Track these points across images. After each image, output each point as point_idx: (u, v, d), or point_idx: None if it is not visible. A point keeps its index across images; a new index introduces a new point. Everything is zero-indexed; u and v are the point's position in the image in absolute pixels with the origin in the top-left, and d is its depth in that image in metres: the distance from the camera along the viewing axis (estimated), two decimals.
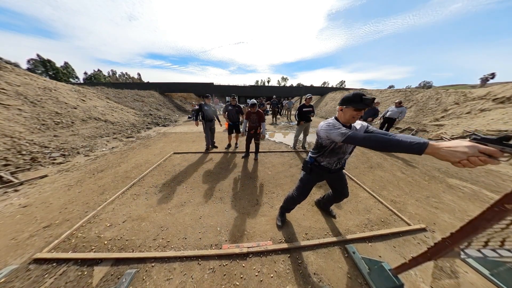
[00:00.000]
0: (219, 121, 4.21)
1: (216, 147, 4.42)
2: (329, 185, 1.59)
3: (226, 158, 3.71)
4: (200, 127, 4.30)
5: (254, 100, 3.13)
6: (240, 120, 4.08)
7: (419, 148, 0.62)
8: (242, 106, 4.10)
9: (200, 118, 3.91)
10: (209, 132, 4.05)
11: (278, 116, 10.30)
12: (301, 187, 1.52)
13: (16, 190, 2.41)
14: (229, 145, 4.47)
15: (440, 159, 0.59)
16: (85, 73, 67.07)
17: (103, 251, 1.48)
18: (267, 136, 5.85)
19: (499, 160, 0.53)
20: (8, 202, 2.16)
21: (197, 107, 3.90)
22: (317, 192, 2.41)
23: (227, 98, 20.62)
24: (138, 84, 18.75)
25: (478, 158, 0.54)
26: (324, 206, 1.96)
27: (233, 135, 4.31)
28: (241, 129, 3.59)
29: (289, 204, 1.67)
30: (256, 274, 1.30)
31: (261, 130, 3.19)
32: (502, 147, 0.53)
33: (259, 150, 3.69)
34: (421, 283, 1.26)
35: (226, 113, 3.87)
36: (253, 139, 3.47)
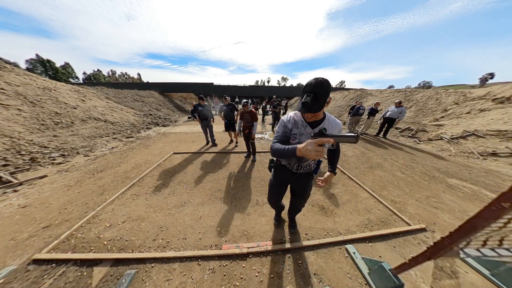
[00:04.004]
0: (212, 119, 4.42)
1: (216, 145, 4.60)
2: (290, 190, 1.43)
3: (226, 158, 3.71)
4: (200, 127, 4.47)
5: (246, 100, 3.32)
6: (235, 118, 4.23)
7: (294, 150, 0.82)
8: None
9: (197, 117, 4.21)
10: (207, 129, 4.42)
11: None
12: (269, 188, 1.44)
13: (15, 191, 2.40)
14: (231, 140, 4.84)
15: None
16: (84, 73, 67.03)
17: (103, 251, 1.47)
18: (266, 136, 5.87)
19: (328, 146, 0.82)
20: (7, 202, 2.15)
21: (193, 107, 4.16)
22: (317, 192, 2.41)
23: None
24: (138, 84, 18.74)
25: (316, 149, 0.73)
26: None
27: (233, 133, 4.52)
28: (236, 129, 3.79)
29: (270, 204, 1.59)
30: (256, 274, 1.30)
31: (253, 129, 3.23)
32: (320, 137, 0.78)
33: (256, 150, 3.72)
34: (421, 283, 1.26)
35: (222, 113, 4.09)
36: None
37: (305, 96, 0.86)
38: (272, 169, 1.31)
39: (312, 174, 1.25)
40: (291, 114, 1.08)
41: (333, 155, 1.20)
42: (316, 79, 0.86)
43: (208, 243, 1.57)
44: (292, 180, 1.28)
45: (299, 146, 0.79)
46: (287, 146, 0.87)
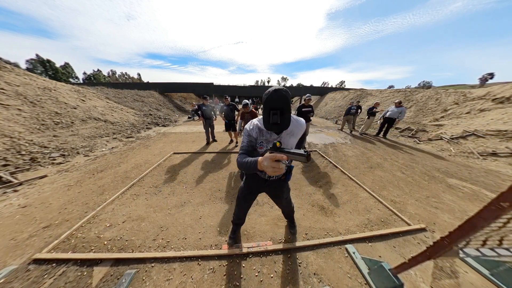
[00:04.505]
0: (215, 118, 4.66)
1: (216, 140, 4.93)
2: (271, 198, 1.39)
3: (226, 158, 3.71)
4: (200, 127, 4.53)
5: (246, 101, 3.39)
6: (235, 118, 4.30)
7: (256, 163, 0.75)
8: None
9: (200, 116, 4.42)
10: (209, 128, 4.62)
11: None
12: (238, 197, 1.34)
13: (15, 191, 2.41)
14: (231, 140, 4.96)
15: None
16: (84, 73, 67.06)
17: (103, 251, 1.47)
18: None
19: (283, 163, 0.67)
20: (8, 202, 2.15)
21: (196, 107, 4.40)
22: (317, 192, 2.41)
23: None
24: (138, 84, 18.73)
25: (272, 165, 0.65)
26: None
27: (233, 133, 4.66)
28: (237, 129, 3.82)
29: (234, 216, 1.48)
30: (256, 274, 1.30)
31: None
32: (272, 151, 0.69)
33: None
34: (421, 283, 1.26)
35: (223, 113, 4.20)
36: None
37: (271, 114, 0.80)
38: (244, 177, 1.22)
39: (284, 180, 1.17)
40: (254, 121, 1.01)
41: (300, 141, 1.20)
42: (276, 91, 0.80)
43: (208, 243, 1.57)
44: (264, 188, 1.23)
45: (259, 159, 0.74)
46: (250, 159, 0.81)
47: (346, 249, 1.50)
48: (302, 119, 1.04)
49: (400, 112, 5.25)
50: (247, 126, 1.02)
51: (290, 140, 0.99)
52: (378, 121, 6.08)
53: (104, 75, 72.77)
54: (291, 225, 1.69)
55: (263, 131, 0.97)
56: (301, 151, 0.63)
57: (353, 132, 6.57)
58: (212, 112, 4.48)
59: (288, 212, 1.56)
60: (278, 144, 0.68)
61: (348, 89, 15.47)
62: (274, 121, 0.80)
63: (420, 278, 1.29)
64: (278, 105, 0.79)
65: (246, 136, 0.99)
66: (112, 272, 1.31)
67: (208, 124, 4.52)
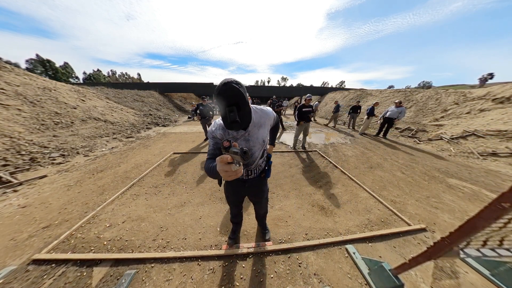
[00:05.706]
0: (212, 117, 4.96)
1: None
2: (251, 199, 1.33)
3: None
4: (200, 127, 4.62)
5: None
6: None
7: (215, 169, 0.70)
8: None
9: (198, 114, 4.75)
10: (206, 126, 4.98)
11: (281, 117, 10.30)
12: (228, 203, 1.35)
13: (15, 191, 2.40)
14: None
15: None
16: (84, 73, 67.10)
17: (103, 251, 1.47)
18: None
19: (235, 165, 0.58)
20: (7, 202, 2.15)
21: (195, 106, 4.74)
22: (317, 192, 2.41)
23: None
24: (137, 84, 18.74)
25: (223, 168, 0.58)
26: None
27: None
28: None
29: (230, 214, 1.49)
30: (256, 274, 1.30)
31: None
32: (227, 153, 0.59)
33: None
34: (421, 283, 1.26)
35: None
36: None
37: (227, 111, 0.69)
38: (222, 183, 1.10)
39: (264, 177, 1.13)
40: (217, 121, 0.92)
41: (273, 132, 1.25)
42: (226, 84, 0.70)
43: (208, 243, 1.57)
44: (245, 189, 1.15)
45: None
46: (213, 165, 0.74)
47: (346, 249, 1.50)
48: (268, 108, 0.99)
49: (400, 112, 5.26)
50: (210, 128, 0.94)
51: (259, 132, 0.92)
52: (378, 121, 6.09)
53: (104, 75, 72.81)
54: (264, 232, 1.62)
55: (228, 130, 0.88)
56: (236, 149, 0.57)
57: (334, 126, 7.78)
58: (211, 112, 4.72)
59: (263, 214, 1.51)
60: (227, 143, 0.58)
61: (348, 89, 15.46)
62: (232, 119, 0.70)
63: (420, 279, 1.29)
64: (231, 100, 0.71)
65: (211, 138, 0.91)
66: (112, 272, 1.30)
67: (204, 123, 4.85)
